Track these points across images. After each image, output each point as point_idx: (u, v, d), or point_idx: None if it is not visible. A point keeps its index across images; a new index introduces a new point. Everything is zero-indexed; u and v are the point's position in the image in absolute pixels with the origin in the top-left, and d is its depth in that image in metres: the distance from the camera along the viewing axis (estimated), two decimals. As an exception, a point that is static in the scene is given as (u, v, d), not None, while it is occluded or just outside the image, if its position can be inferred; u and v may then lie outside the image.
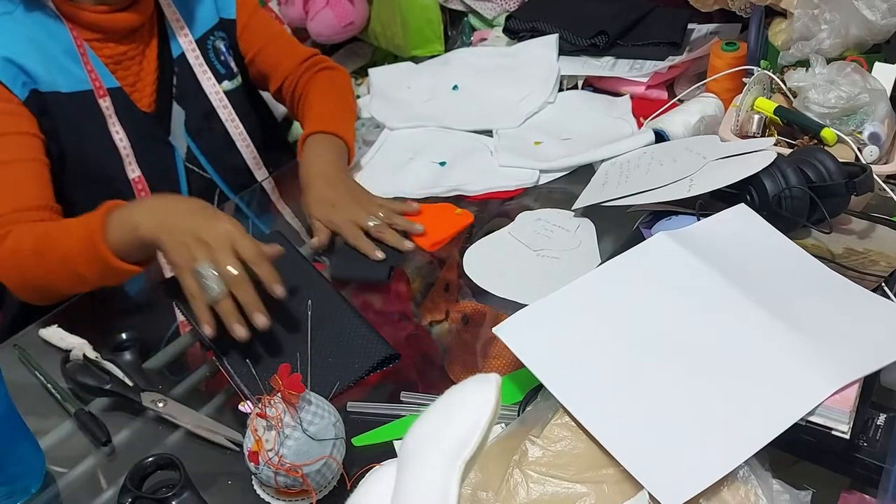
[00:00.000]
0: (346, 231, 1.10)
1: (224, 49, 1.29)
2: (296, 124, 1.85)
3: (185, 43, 1.24)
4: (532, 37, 1.54)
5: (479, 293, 1.04)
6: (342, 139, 1.22)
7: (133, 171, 1.18)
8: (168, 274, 1.03)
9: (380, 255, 1.07)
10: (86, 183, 1.16)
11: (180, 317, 1.04)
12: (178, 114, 1.24)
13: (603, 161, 1.22)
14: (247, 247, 0.88)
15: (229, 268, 0.86)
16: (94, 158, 1.16)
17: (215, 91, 1.27)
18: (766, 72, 1.20)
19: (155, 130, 1.22)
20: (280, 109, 1.53)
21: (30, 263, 0.99)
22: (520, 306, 0.85)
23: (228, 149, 1.30)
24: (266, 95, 1.47)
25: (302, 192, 1.16)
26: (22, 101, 1.08)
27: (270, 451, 0.72)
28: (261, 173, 1.36)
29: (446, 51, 1.76)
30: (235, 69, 1.32)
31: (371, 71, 1.59)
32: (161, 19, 1.23)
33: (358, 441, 0.83)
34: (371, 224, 1.10)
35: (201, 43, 1.27)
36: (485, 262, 1.08)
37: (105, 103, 1.15)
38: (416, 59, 1.67)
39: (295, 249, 1.12)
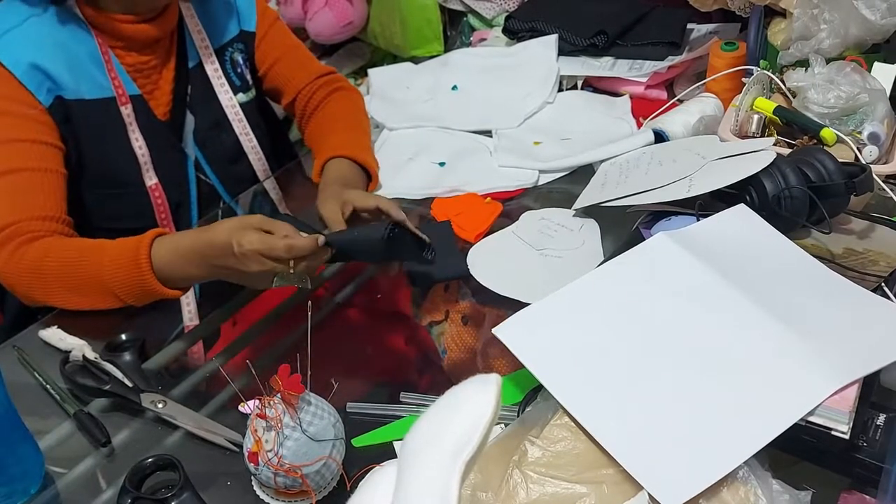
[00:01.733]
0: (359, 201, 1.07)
1: (241, 61, 1.29)
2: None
3: (204, 53, 1.24)
4: (531, 37, 1.54)
5: (479, 293, 1.04)
6: (361, 165, 1.21)
7: (150, 179, 1.18)
8: (187, 318, 1.05)
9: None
10: (104, 189, 1.16)
11: (186, 320, 1.04)
12: (189, 122, 1.24)
13: (602, 161, 1.22)
14: (275, 252, 0.91)
15: (292, 264, 0.92)
16: (114, 165, 1.16)
17: (231, 104, 1.27)
18: (765, 72, 1.20)
19: (169, 138, 1.22)
20: (281, 109, 1.52)
21: (55, 278, 1.00)
22: (522, 305, 0.85)
23: (236, 159, 1.30)
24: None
25: (317, 205, 1.14)
26: (46, 108, 1.08)
27: (270, 451, 0.72)
28: (269, 182, 1.36)
29: (446, 51, 1.76)
30: (250, 82, 1.32)
31: (370, 71, 1.59)
32: (181, 29, 1.23)
33: (358, 442, 0.83)
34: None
35: (220, 54, 1.26)
36: (489, 262, 1.08)
37: (126, 110, 1.15)
38: (416, 60, 1.67)
39: (307, 226, 1.08)
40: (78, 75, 1.11)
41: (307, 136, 1.35)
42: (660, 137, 1.22)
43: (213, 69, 1.25)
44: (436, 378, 0.96)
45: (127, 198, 1.18)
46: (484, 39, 1.68)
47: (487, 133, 1.37)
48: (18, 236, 1.01)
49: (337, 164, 1.19)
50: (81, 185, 1.14)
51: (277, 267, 0.91)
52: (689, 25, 1.50)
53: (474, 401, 0.57)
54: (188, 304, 1.06)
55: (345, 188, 1.12)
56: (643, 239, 0.91)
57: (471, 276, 1.05)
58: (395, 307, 1.08)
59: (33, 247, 1.01)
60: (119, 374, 0.90)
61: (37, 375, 0.94)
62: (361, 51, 2.01)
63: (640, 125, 1.31)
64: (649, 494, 0.67)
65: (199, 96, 1.25)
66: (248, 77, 1.31)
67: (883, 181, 1.02)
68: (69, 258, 1.00)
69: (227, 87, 1.27)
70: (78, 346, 0.94)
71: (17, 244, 1.01)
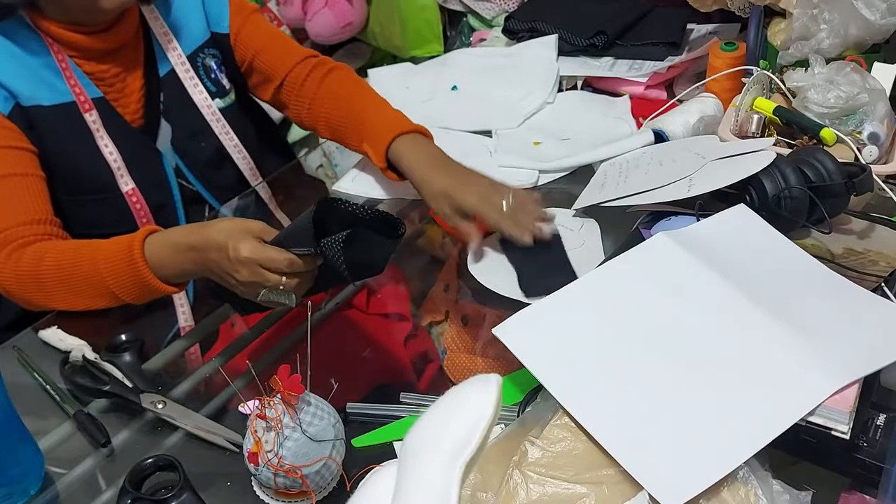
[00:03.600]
0: (485, 210, 1.03)
1: (215, 66, 1.26)
2: (294, 125, 1.84)
3: (175, 59, 1.21)
4: (531, 37, 1.54)
5: (479, 293, 1.04)
6: (424, 134, 1.17)
7: (126, 185, 1.16)
8: (182, 319, 1.05)
9: (546, 229, 1.01)
10: (79, 196, 1.15)
11: (181, 322, 1.04)
12: (165, 130, 1.22)
13: (602, 161, 1.22)
14: (273, 264, 0.87)
15: (284, 280, 0.88)
16: (86, 172, 1.14)
17: (210, 110, 1.24)
18: (765, 72, 1.20)
19: (144, 145, 1.20)
20: (276, 114, 1.50)
21: (53, 281, 0.99)
22: (522, 305, 0.85)
23: (219, 164, 1.28)
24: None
25: (420, 192, 1.10)
26: (6, 115, 1.07)
27: (270, 452, 0.72)
28: (260, 185, 1.34)
29: (445, 51, 1.77)
30: (228, 86, 1.28)
31: (370, 72, 1.59)
32: (147, 35, 1.20)
33: (358, 442, 0.83)
34: (504, 201, 1.03)
35: (192, 59, 1.23)
36: (490, 262, 1.07)
37: (91, 117, 1.12)
38: (415, 60, 1.67)
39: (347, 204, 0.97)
40: (33, 83, 1.09)
41: (321, 125, 1.28)
42: (660, 137, 1.22)
43: (187, 75, 1.22)
44: (436, 378, 0.95)
45: (104, 203, 1.16)
46: (484, 40, 1.68)
47: (487, 133, 1.37)
48: (10, 243, 1.01)
49: (408, 145, 1.13)
50: (57, 192, 1.12)
51: (270, 279, 0.87)
52: (689, 25, 1.50)
53: (474, 401, 0.57)
54: (182, 306, 1.06)
55: (451, 184, 1.06)
56: (643, 239, 0.91)
57: (471, 276, 1.05)
58: (396, 307, 1.08)
59: (27, 252, 1.00)
60: (119, 375, 0.90)
61: (36, 376, 0.94)
62: (361, 51, 2.01)
63: (639, 125, 1.31)
64: (649, 494, 0.67)
65: (173, 104, 1.22)
66: (225, 82, 1.27)
67: (883, 181, 1.02)
68: (65, 260, 1.00)
69: (204, 92, 1.24)
70: (78, 347, 0.94)
71: (10, 251, 1.00)
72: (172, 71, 1.22)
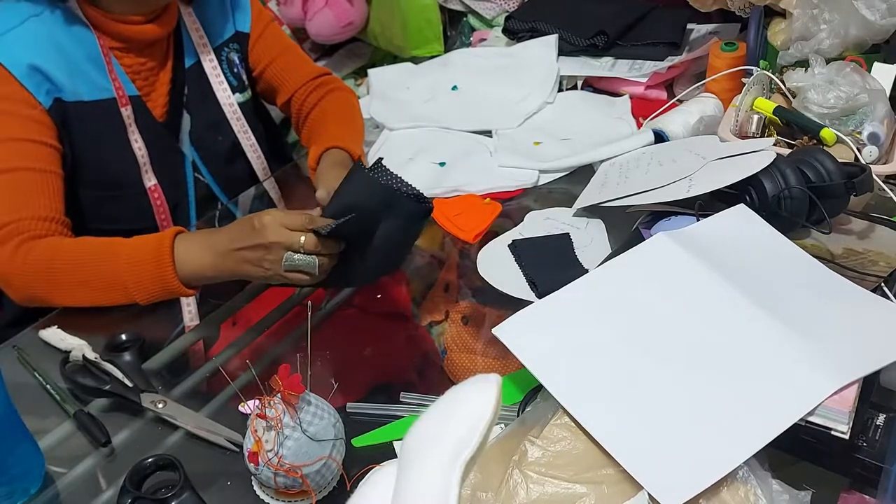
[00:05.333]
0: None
1: (237, 62, 1.29)
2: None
3: (203, 52, 1.24)
4: (531, 37, 1.54)
5: (479, 293, 1.04)
6: (352, 154, 1.21)
7: (149, 180, 1.18)
8: (187, 318, 1.05)
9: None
10: (102, 191, 1.16)
11: (186, 320, 1.04)
12: (185, 123, 1.24)
13: (602, 161, 1.22)
14: (293, 223, 0.92)
15: (302, 239, 0.92)
16: (113, 167, 1.16)
17: (229, 102, 1.27)
18: (765, 72, 1.20)
19: (167, 139, 1.22)
20: (276, 112, 1.52)
21: (65, 274, 1.00)
22: (523, 305, 0.85)
23: (232, 160, 1.30)
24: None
25: (318, 182, 1.13)
26: (46, 110, 1.07)
27: (270, 451, 0.72)
28: (268, 182, 1.36)
29: (446, 51, 1.76)
30: (246, 82, 1.31)
31: (370, 71, 1.59)
32: (178, 29, 1.22)
33: (358, 442, 0.83)
34: None
35: (216, 54, 1.26)
36: (498, 263, 1.07)
37: (126, 112, 1.14)
38: (416, 60, 1.67)
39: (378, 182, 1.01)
40: (76, 77, 1.10)
41: (304, 135, 1.34)
42: (660, 138, 1.22)
43: (211, 67, 1.25)
44: (436, 378, 0.96)
45: (126, 199, 1.18)
46: (484, 40, 1.68)
47: (487, 133, 1.37)
48: (18, 234, 1.01)
49: (337, 153, 1.19)
50: (77, 187, 1.13)
51: (292, 237, 0.91)
52: (689, 26, 1.50)
53: (474, 401, 0.57)
54: (188, 305, 1.06)
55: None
56: (643, 239, 0.91)
57: (471, 276, 1.05)
58: (395, 307, 1.08)
59: (38, 245, 1.01)
60: (119, 374, 0.90)
61: (37, 375, 0.94)
62: (361, 51, 2.01)
63: (639, 125, 1.31)
64: (649, 494, 0.67)
65: (196, 96, 1.24)
66: (245, 78, 1.31)
67: (883, 181, 1.02)
68: (83, 254, 1.00)
69: (225, 85, 1.27)
70: (78, 346, 0.94)
71: (18, 242, 1.00)
72: (198, 63, 1.24)
